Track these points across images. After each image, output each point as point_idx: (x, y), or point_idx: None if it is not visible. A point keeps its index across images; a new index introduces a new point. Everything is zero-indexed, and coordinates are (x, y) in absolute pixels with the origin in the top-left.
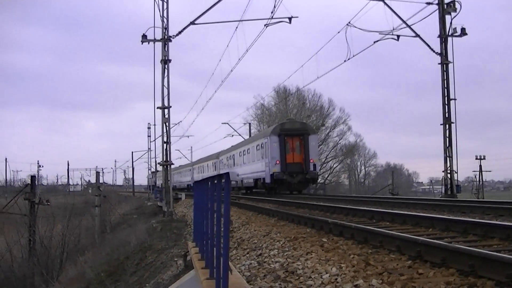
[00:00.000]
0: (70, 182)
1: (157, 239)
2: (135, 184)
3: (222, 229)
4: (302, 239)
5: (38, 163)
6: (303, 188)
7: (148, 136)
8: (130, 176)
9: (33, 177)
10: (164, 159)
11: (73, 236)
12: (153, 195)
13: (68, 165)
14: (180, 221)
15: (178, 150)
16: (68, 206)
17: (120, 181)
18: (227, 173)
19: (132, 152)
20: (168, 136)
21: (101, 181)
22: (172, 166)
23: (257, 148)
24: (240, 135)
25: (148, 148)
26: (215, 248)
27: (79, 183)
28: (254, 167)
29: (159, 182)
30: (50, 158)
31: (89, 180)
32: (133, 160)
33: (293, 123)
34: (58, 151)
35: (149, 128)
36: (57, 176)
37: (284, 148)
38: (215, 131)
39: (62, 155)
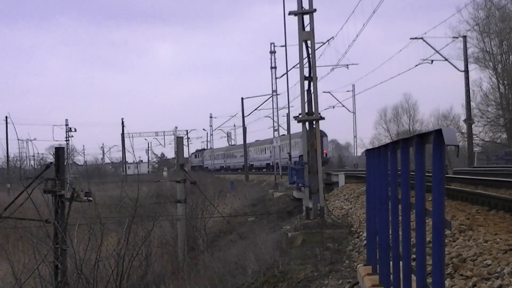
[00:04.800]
0: (127, 159)
1: (297, 261)
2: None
3: (430, 239)
4: None
5: (67, 125)
6: None
7: (271, 68)
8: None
9: (59, 150)
10: (306, 110)
11: (137, 260)
12: (285, 180)
13: (122, 126)
14: (339, 225)
15: (329, 92)
16: (125, 203)
17: None
18: (439, 130)
19: (242, 99)
20: (312, 67)
21: (186, 154)
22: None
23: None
24: (447, 59)
25: (273, 91)
26: (414, 276)
27: (143, 159)
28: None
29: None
30: (90, 115)
31: (162, 154)
32: (244, 115)
33: None
34: (106, 101)
35: (273, 52)
36: (102, 147)
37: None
38: (398, 53)
39: (112, 108)
